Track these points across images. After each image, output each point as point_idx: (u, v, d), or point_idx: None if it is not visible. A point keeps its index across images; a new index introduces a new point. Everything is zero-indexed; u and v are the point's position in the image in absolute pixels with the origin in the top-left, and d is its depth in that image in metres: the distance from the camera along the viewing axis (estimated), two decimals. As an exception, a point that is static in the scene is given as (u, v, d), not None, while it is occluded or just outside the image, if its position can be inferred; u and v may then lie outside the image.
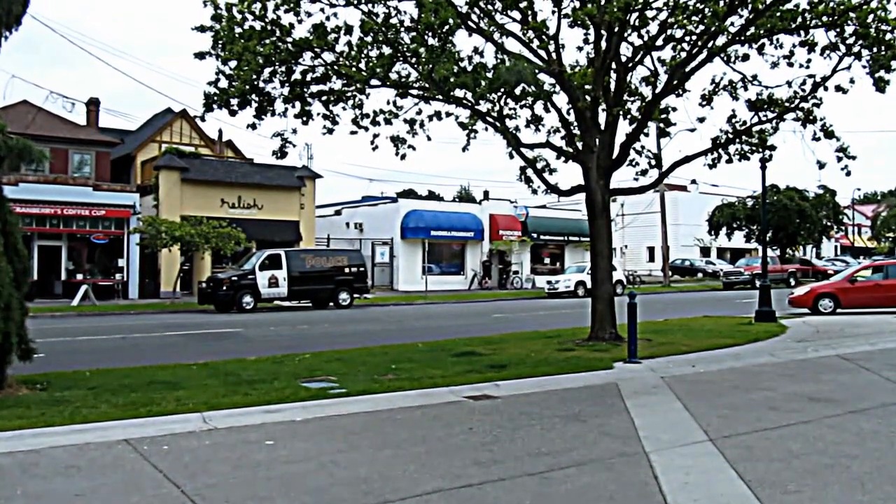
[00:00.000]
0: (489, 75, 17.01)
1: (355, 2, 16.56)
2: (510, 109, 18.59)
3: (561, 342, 17.26)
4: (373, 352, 16.06)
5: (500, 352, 15.74)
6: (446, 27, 15.90)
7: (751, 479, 7.04)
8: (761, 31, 16.63)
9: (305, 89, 17.01)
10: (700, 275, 63.62)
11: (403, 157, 18.15)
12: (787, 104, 17.62)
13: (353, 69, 16.90)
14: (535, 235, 53.91)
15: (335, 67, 16.97)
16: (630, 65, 17.62)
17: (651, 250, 70.91)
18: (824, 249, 76.28)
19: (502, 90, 17.82)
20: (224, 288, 32.15)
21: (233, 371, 13.32)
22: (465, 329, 22.50)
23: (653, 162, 19.34)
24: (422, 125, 18.19)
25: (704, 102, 18.32)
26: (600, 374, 12.97)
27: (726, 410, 10.02)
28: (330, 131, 17.63)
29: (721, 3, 15.78)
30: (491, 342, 17.69)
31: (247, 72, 16.12)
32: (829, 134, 17.32)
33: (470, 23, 16.58)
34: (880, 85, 16.11)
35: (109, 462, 7.70)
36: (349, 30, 16.66)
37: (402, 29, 16.61)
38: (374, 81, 16.90)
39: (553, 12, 16.76)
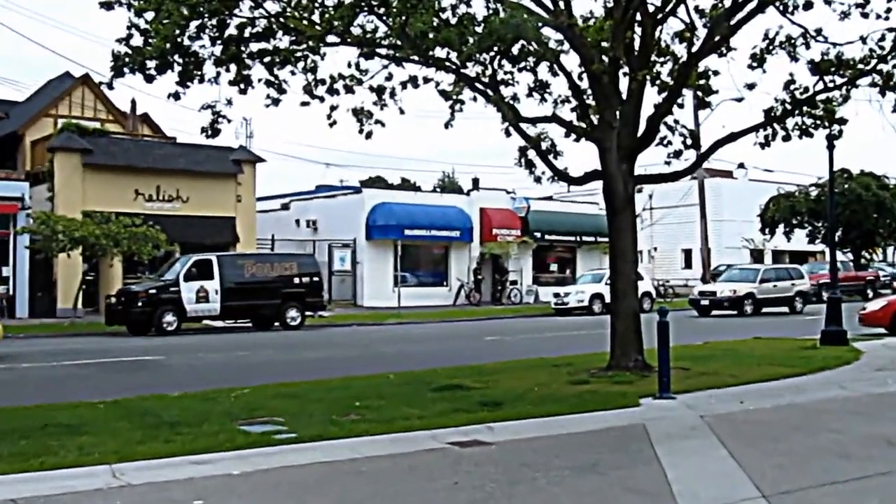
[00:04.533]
0: (479, 30, 17.04)
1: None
2: (506, 74, 18.62)
3: (572, 372, 17.28)
4: (331, 385, 16.03)
5: (495, 385, 15.75)
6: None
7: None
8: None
9: (243, 48, 16.99)
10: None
11: (369, 135, 18.14)
12: (860, 66, 17.74)
13: (305, 22, 16.88)
14: (538, 235, 54.13)
15: (281, 20, 16.96)
16: (660, 16, 17.69)
17: (687, 254, 71.22)
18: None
19: (496, 49, 17.86)
20: (139, 304, 32.06)
21: (151, 411, 13.26)
22: (449, 356, 22.47)
23: (689, 141, 19.42)
24: (392, 94, 18.18)
25: (755, 64, 18.42)
26: (623, 413, 13.00)
27: (784, 458, 10.07)
28: (275, 102, 17.61)
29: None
30: (482, 373, 17.68)
31: (167, 26, 16.07)
32: (915, 104, 17.47)
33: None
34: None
35: (-10, 530, 7.65)
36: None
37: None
38: (331, 38, 16.88)
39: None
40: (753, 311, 40.30)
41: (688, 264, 71.04)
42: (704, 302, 41.00)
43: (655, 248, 71.57)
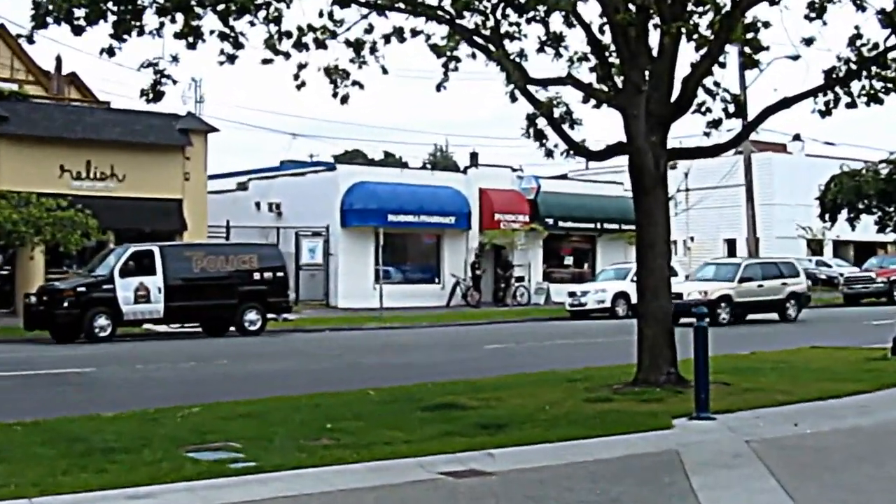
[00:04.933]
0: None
1: None
2: (511, 25, 18.57)
3: (591, 388, 17.30)
4: (298, 404, 16.01)
5: (497, 403, 15.76)
6: None
7: None
8: None
9: (192, -7, 16.92)
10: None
11: (345, 99, 18.09)
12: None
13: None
14: (550, 222, 54.18)
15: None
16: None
17: (731, 245, 71.32)
18: None
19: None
20: (65, 304, 32.02)
21: (80, 434, 13.22)
22: (442, 368, 22.46)
23: (733, 107, 19.41)
24: (373, 50, 18.14)
25: (814, 15, 18.37)
26: (653, 436, 13.01)
27: (847, 495, 10.08)
28: (231, 59, 17.54)
29: None
30: (482, 388, 17.69)
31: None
32: None
33: None
34: None
35: None
36: None
37: None
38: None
39: None
40: (732, 319, 38.80)
41: (731, 256, 71.10)
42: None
43: (692, 238, 71.62)
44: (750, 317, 39.99)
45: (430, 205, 50.58)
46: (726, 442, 12.73)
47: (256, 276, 35.34)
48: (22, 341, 31.60)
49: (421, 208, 50.18)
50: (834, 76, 18.41)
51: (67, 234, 34.88)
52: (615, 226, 55.69)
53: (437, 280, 51.97)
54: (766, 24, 19.11)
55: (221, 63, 17.61)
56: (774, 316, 40.44)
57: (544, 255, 55.51)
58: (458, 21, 17.81)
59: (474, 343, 30.65)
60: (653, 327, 17.46)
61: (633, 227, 20.41)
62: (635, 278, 19.05)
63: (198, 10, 17.02)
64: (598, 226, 56.19)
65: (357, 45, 18.11)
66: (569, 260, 57.08)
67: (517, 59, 18.42)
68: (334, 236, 48.85)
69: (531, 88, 18.40)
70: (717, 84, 19.28)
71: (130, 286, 32.80)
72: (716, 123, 19.38)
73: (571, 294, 45.08)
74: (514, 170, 56.11)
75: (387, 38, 18.18)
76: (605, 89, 18.38)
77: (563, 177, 64.02)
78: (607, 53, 18.35)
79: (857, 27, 18.38)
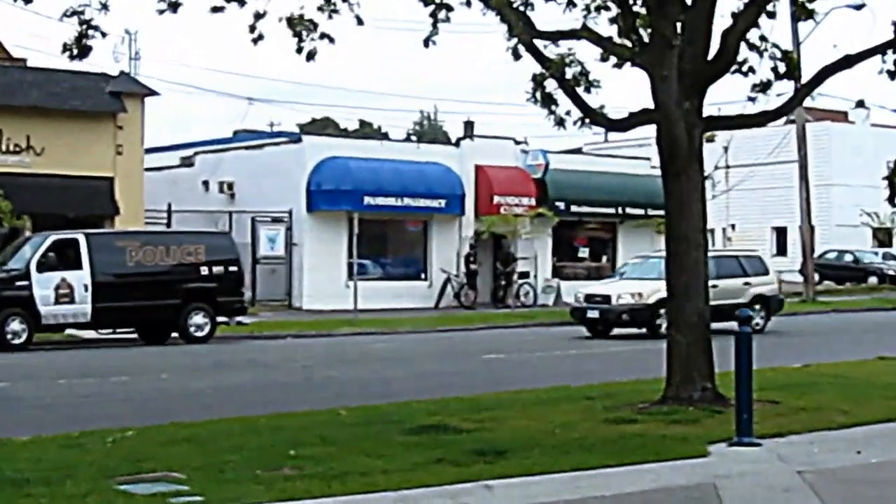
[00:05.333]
0: None
1: None
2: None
3: (611, 407, 17.32)
4: (254, 426, 16.01)
5: (496, 425, 15.77)
6: None
7: None
8: None
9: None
10: (873, 279, 63.98)
11: (311, 55, 18.07)
12: None
13: None
14: (561, 205, 54.07)
15: None
16: None
17: (781, 234, 71.54)
18: None
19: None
20: (-30, 306, 31.97)
21: (-13, 463, 13.21)
22: (429, 382, 22.46)
23: (783, 67, 19.40)
24: (347, -4, 18.13)
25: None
26: (685, 466, 12.99)
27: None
28: (173, 7, 17.50)
29: None
30: (478, 407, 17.70)
31: None
32: None
33: None
34: None
35: None
36: None
37: None
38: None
39: None
40: None
41: (781, 249, 71.29)
42: (593, 313, 37.23)
43: (733, 226, 71.84)
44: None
45: (416, 185, 50.57)
46: (774, 473, 12.71)
47: (204, 270, 35.24)
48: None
49: (404, 189, 50.15)
50: (906, 29, 18.40)
51: (-28, 219, 34.83)
52: (640, 211, 55.75)
53: (423, 276, 51.98)
54: (824, -34, 19.13)
55: (161, 12, 17.59)
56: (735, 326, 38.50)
57: (554, 246, 55.55)
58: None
59: (469, 352, 30.64)
60: (685, 334, 17.47)
61: (661, 212, 20.41)
62: (664, 276, 18.94)
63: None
64: (620, 211, 56.22)
65: (327, -9, 18.09)
66: (584, 252, 57.04)
67: (521, 8, 18.39)
68: (299, 223, 48.85)
69: (538, 43, 18.39)
70: (764, 38, 19.26)
71: (50, 283, 32.70)
72: (763, 86, 19.36)
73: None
74: (517, 142, 56.02)
75: (363, -18, 18.17)
76: (629, 44, 18.37)
77: (578, 151, 64.12)
78: (631, 2, 18.33)
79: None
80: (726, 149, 64.41)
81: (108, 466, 12.98)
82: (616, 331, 36.60)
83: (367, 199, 48.43)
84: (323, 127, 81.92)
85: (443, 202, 51.31)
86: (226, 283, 35.63)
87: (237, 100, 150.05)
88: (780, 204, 67.57)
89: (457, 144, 55.30)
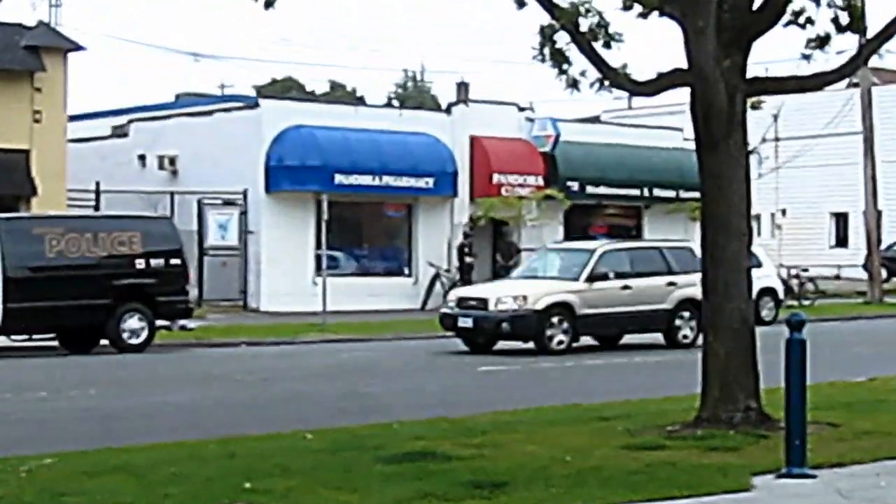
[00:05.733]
0: None
1: None
2: None
3: (634, 429, 17.33)
4: (202, 452, 16.00)
5: (495, 452, 15.74)
6: None
7: None
8: None
9: None
10: None
11: (271, 2, 18.06)
12: None
13: None
14: (574, 186, 54.45)
15: None
16: None
17: (840, 221, 71.60)
18: None
19: None
20: None
21: None
22: (414, 400, 22.52)
23: (845, 18, 19.41)
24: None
25: None
26: (724, 502, 13.04)
27: None
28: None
29: None
30: (473, 430, 17.71)
31: None
32: None
33: None
34: None
35: None
36: None
37: None
38: None
39: None
40: (573, 343, 34.62)
41: (842, 239, 71.40)
42: (465, 322, 34.94)
43: (783, 212, 71.91)
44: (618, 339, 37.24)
45: (398, 160, 50.74)
46: (832, 511, 12.74)
47: (140, 264, 35.17)
48: None
49: (384, 165, 50.34)
50: None
51: None
52: (670, 192, 56.06)
53: (407, 272, 52.07)
54: None
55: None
56: (658, 339, 36.76)
57: (566, 234, 55.31)
58: None
59: (462, 363, 30.71)
60: (725, 342, 17.50)
61: (696, 194, 20.42)
62: (699, 271, 18.99)
63: None
64: (646, 192, 56.56)
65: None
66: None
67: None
68: (256, 206, 49.05)
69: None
70: (819, -16, 19.32)
71: (-50, 279, 32.75)
72: (820, 41, 19.35)
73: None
74: (521, 109, 56.11)
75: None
76: (657, -10, 18.39)
77: (595, 120, 64.19)
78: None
79: None
80: (776, 118, 64.69)
81: (21, 501, 12.96)
82: (498, 345, 34.93)
83: (339, 178, 48.66)
84: (285, 89, 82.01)
85: (431, 181, 51.49)
86: (167, 279, 35.57)
87: (181, 56, 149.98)
88: (840, 185, 67.68)
89: (448, 111, 55.40)
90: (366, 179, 49.76)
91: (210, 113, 53.68)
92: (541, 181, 53.28)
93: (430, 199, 51.96)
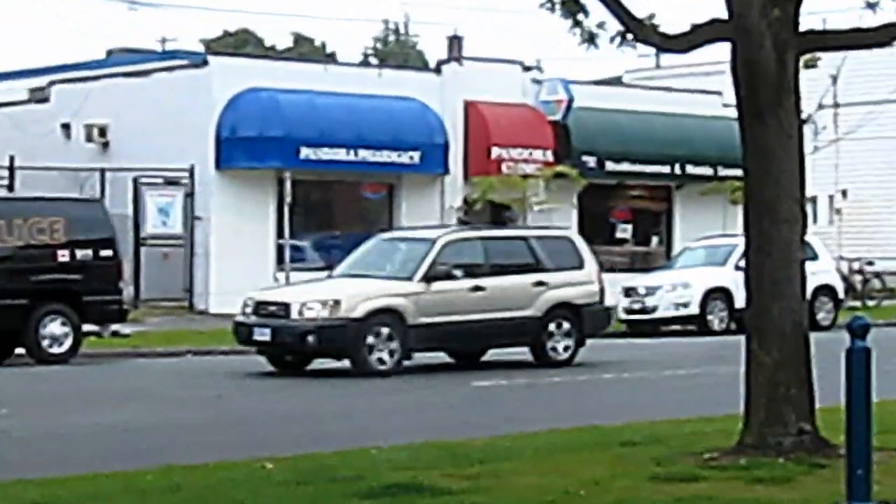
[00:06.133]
0: None
1: None
2: None
3: (663, 457, 17.29)
4: (140, 484, 15.97)
5: (494, 484, 15.70)
6: None
7: None
8: None
9: None
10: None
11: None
12: None
13: None
14: (590, 162, 54.43)
15: None
16: None
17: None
18: None
19: None
20: None
21: None
22: (395, 421, 22.54)
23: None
24: None
25: None
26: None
27: None
28: None
29: None
30: (467, 457, 17.67)
31: None
32: None
33: None
34: None
35: None
36: None
37: None
38: None
39: None
40: (402, 361, 32.24)
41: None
42: (262, 334, 32.60)
43: (844, 193, 72.05)
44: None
45: (377, 130, 50.69)
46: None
47: (63, 256, 35.06)
48: None
49: (360, 137, 50.27)
50: None
51: None
52: (707, 170, 56.09)
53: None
54: None
55: None
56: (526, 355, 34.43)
57: (581, 222, 55.39)
58: None
59: (454, 376, 30.75)
60: (772, 350, 17.49)
61: (738, 171, 20.45)
62: (742, 264, 19.08)
63: None
64: (678, 170, 56.58)
65: None
66: (624, 229, 57.18)
67: None
68: (205, 186, 49.07)
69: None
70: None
71: None
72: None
73: (629, 292, 45.25)
74: (526, 68, 56.07)
75: None
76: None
77: (616, 82, 64.23)
78: None
79: None
80: (835, 79, 64.81)
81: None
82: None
83: (305, 152, 48.69)
84: (239, 44, 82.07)
85: (416, 156, 51.47)
86: (96, 274, 35.48)
87: (113, 4, 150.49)
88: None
89: (437, 70, 55.38)
90: (338, 154, 49.71)
91: (148, 73, 53.50)
92: (550, 156, 53.31)
93: (416, 178, 52.08)
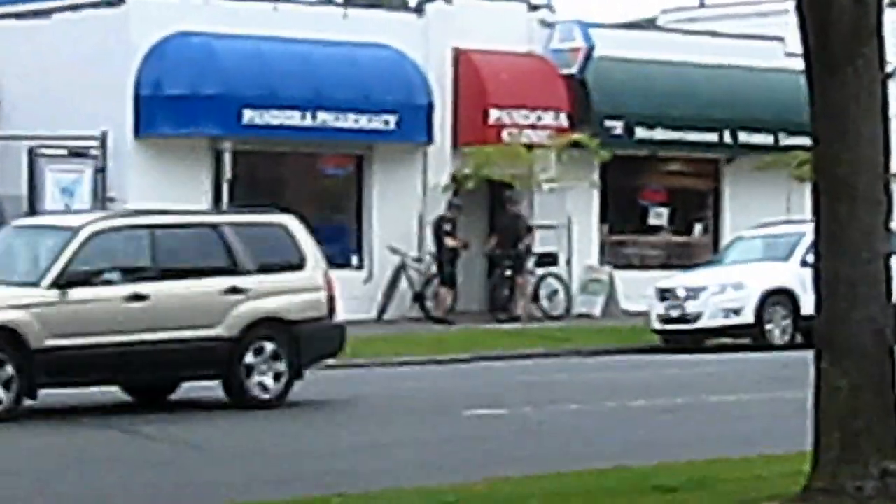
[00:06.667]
0: None
1: None
2: None
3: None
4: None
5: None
6: None
7: None
8: None
9: None
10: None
11: None
12: None
13: None
14: (616, 127, 54.36)
15: None
16: None
17: None
18: None
19: None
20: None
21: None
22: (369, 462, 22.74)
23: None
24: None
25: None
26: None
27: None
28: None
29: None
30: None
31: None
32: None
33: None
34: None
35: None
36: None
37: None
38: None
39: None
40: (21, 400, 29.44)
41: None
42: None
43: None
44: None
45: (342, 87, 50.91)
46: None
47: None
48: None
49: (319, 95, 50.44)
50: None
51: None
52: (765, 138, 56.21)
53: (356, 260, 52.06)
54: None
55: None
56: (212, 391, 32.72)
57: (603, 204, 56.01)
58: None
59: (442, 404, 30.91)
60: (850, 371, 17.62)
61: (806, 140, 20.70)
62: (811, 261, 19.24)
63: None
64: (728, 138, 56.59)
65: None
66: (658, 216, 57.27)
67: None
68: (120, 158, 49.16)
69: None
70: None
71: None
72: None
73: (664, 294, 45.40)
74: (533, 7, 56.06)
75: None
76: None
77: (649, 25, 64.26)
78: None
79: None
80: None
81: None
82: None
83: (250, 115, 48.81)
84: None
85: (392, 120, 51.46)
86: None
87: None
88: None
89: (419, 10, 55.21)
90: (291, 117, 49.76)
91: (48, 13, 53.54)
92: (564, 121, 53.23)
93: (392, 148, 52.14)
